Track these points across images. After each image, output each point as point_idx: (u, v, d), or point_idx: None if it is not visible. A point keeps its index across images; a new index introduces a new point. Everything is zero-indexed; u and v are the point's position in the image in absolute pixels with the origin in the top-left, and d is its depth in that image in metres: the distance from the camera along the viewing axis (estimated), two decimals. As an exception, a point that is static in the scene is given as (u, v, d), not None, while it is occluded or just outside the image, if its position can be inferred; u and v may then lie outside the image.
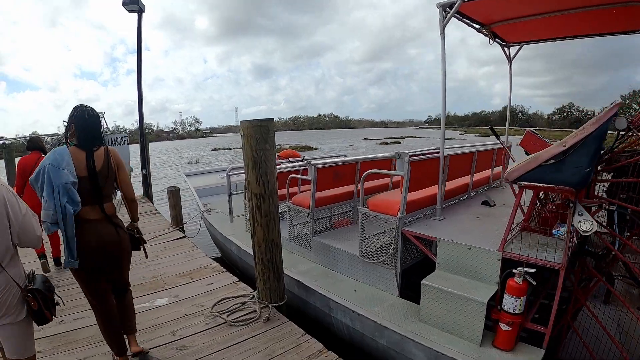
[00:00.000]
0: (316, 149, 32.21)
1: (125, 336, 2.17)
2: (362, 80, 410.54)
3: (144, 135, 7.18)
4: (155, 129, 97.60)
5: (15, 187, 3.45)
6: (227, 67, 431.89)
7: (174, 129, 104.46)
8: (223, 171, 8.21)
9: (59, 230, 1.80)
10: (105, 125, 9.99)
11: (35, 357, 1.66)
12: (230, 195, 4.73)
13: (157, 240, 4.82)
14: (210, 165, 23.58)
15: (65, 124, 1.98)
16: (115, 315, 2.09)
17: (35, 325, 1.62)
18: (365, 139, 47.08)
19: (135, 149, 8.09)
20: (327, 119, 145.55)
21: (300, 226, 3.81)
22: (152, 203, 7.33)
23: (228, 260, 4.86)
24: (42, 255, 3.67)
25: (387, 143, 38.41)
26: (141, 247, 2.25)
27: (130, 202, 2.17)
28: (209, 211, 5.69)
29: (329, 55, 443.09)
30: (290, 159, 5.95)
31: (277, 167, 3.08)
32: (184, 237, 4.94)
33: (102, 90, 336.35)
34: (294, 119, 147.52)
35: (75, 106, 1.95)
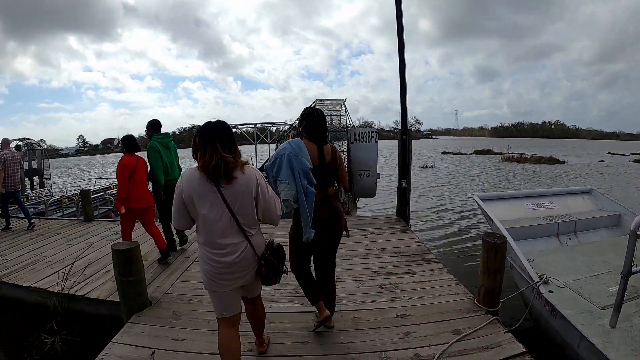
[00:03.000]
0: (563, 162, 27.07)
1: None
2: (590, 84, 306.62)
3: (407, 132, 5.12)
4: (376, 127, 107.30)
5: (119, 185, 3.70)
6: (448, 69, 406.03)
7: (394, 129, 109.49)
8: (530, 198, 4.80)
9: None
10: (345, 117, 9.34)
11: (260, 295, 2.10)
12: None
13: (465, 347, 2.39)
14: (446, 170, 20.45)
15: (297, 120, 2.50)
16: (310, 279, 2.49)
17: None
18: (609, 153, 37.59)
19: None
20: (553, 126, 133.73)
21: None
22: (409, 225, 5.23)
23: None
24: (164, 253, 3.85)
25: (646, 160, 27.89)
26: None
27: (345, 191, 2.53)
28: (547, 283, 2.89)
29: (556, 55, 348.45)
30: None
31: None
32: (526, 353, 2.28)
33: (327, 90, 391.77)
34: (517, 125, 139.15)
35: (305, 107, 2.40)
